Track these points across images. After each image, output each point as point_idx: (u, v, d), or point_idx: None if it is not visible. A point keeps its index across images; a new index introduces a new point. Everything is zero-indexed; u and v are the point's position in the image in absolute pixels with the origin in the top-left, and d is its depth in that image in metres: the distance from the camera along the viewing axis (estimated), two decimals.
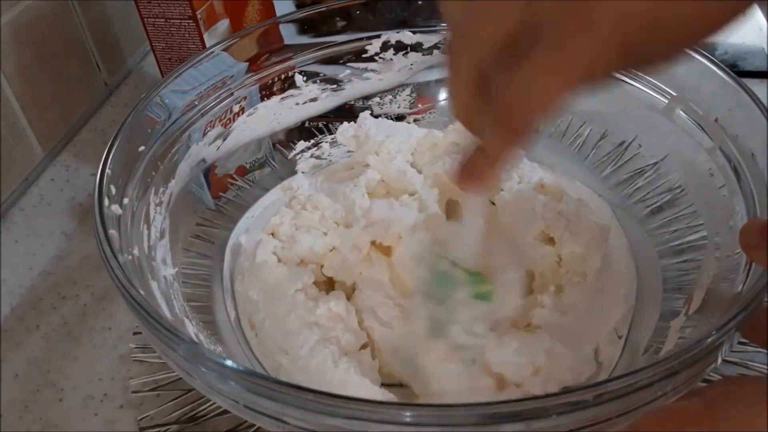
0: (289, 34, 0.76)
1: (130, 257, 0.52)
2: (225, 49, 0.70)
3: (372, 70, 0.79)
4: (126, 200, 0.56)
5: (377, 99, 0.81)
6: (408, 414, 0.37)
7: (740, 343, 0.58)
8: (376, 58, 0.78)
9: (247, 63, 0.72)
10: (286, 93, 0.76)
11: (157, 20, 0.80)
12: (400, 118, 0.82)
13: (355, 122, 0.77)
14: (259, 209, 0.74)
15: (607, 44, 0.34)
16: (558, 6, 0.34)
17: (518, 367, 0.54)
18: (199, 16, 0.79)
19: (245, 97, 0.72)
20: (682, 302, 0.56)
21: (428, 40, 0.78)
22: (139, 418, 0.59)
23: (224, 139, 0.72)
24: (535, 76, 0.35)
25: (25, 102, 0.78)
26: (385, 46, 0.77)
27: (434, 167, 0.73)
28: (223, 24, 0.85)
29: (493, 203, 0.68)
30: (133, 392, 0.62)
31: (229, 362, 0.41)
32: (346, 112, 0.80)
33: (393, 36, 0.76)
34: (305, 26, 0.76)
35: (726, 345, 0.41)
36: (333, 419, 0.37)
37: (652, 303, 0.60)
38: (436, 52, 0.79)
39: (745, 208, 0.54)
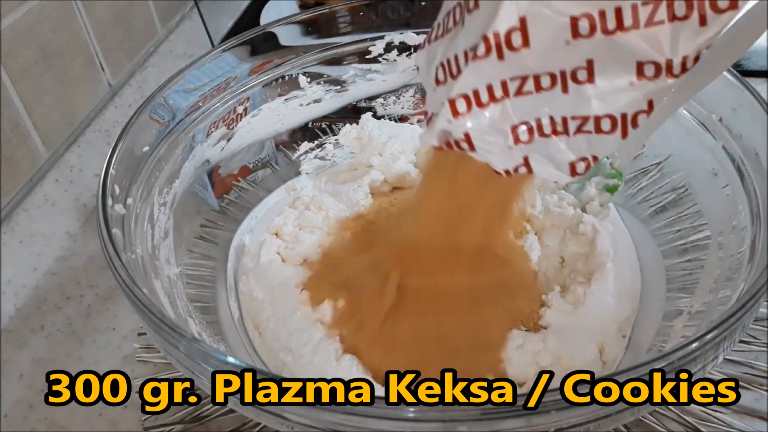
0: (292, 35, 0.76)
1: (133, 256, 0.52)
2: (228, 50, 0.70)
3: (376, 71, 0.79)
4: (130, 200, 0.56)
5: (381, 100, 0.81)
6: (409, 410, 0.37)
7: (743, 341, 0.58)
8: (380, 59, 0.78)
9: (251, 64, 0.72)
10: (290, 94, 0.76)
11: None
12: (403, 119, 0.82)
13: (357, 124, 0.77)
14: (262, 210, 0.75)
15: None
16: None
17: (522, 366, 0.54)
18: None
19: (248, 98, 0.73)
20: (686, 302, 0.56)
21: None
22: (144, 418, 0.59)
23: (228, 140, 0.72)
24: None
25: (29, 103, 0.79)
26: (388, 47, 0.77)
27: None
28: None
29: None
30: (137, 392, 0.62)
31: (230, 359, 0.41)
32: (350, 113, 0.80)
33: (397, 37, 0.76)
34: (309, 27, 0.76)
35: (727, 342, 0.41)
36: (333, 415, 0.37)
37: (655, 302, 0.60)
38: None
39: (748, 207, 0.54)
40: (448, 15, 0.46)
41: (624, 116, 0.42)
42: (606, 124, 0.42)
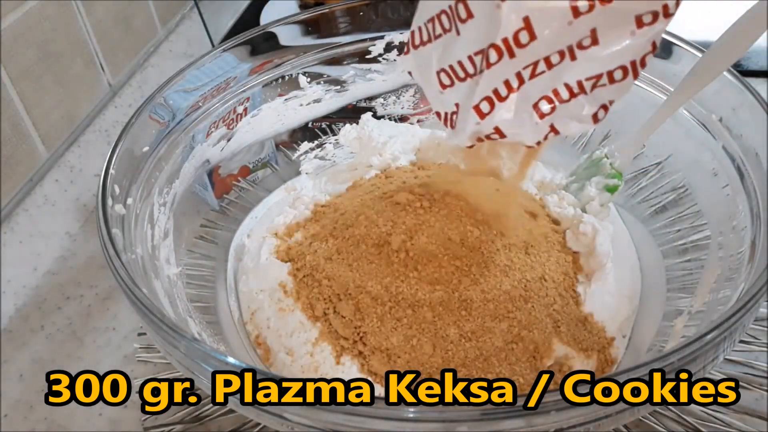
0: (292, 35, 0.76)
1: (133, 256, 0.52)
2: (228, 50, 0.70)
3: (376, 71, 0.79)
4: (130, 200, 0.56)
5: (381, 100, 0.81)
6: (409, 410, 0.37)
7: (743, 341, 0.58)
8: (380, 59, 0.77)
9: (251, 64, 0.72)
10: (290, 94, 0.76)
11: None
12: (403, 119, 0.82)
13: (357, 124, 0.77)
14: (262, 210, 0.75)
15: None
16: None
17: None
18: None
19: (248, 98, 0.72)
20: (686, 302, 0.56)
21: None
22: (144, 418, 0.59)
23: (228, 140, 0.72)
24: None
25: (29, 103, 0.79)
26: (388, 47, 0.77)
27: None
28: None
29: None
30: (138, 392, 0.62)
31: (230, 359, 0.41)
32: (350, 113, 0.80)
33: (396, 37, 0.76)
34: (309, 27, 0.76)
35: (727, 342, 0.41)
36: (333, 415, 0.37)
37: (656, 303, 0.60)
38: None
39: (748, 207, 0.54)
40: (431, 22, 0.49)
41: (633, 62, 0.44)
42: (618, 74, 0.45)
